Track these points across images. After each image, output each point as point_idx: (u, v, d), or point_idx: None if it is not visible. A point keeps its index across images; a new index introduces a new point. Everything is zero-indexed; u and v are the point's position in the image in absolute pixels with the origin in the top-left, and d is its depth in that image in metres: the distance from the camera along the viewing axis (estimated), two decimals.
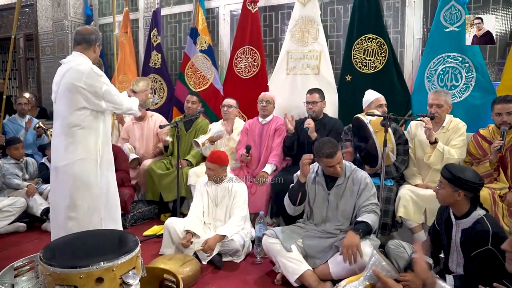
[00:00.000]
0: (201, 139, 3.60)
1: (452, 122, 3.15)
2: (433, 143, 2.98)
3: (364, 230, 2.45)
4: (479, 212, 2.07)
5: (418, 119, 3.01)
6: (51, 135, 4.51)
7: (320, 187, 2.74)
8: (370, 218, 2.51)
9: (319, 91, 3.71)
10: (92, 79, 2.44)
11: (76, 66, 2.47)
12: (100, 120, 2.55)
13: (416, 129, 3.30)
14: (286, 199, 2.82)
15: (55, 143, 2.57)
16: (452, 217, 2.18)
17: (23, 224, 3.71)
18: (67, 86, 2.43)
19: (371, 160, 3.01)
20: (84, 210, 2.49)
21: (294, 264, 2.52)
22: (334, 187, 2.70)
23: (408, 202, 3.00)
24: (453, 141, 3.08)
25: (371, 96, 3.45)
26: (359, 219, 2.53)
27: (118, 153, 3.95)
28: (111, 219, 2.66)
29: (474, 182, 2.05)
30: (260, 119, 3.92)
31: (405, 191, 3.04)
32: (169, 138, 4.14)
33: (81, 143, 2.47)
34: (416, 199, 3.00)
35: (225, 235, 2.91)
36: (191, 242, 2.92)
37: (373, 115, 2.89)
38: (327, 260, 2.53)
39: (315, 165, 2.83)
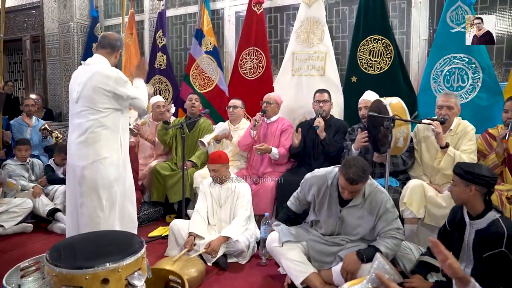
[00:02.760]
0: (206, 138, 3.61)
1: (460, 125, 3.08)
2: (444, 147, 2.91)
3: (370, 256, 2.25)
4: (494, 213, 2.05)
5: (427, 122, 2.95)
6: (56, 137, 4.56)
7: (332, 201, 2.53)
8: (385, 244, 2.34)
9: (327, 91, 3.73)
10: (118, 84, 2.59)
11: (103, 70, 2.60)
12: (120, 119, 2.70)
13: (423, 131, 3.26)
14: None
15: (76, 142, 2.63)
16: (466, 217, 2.16)
17: (29, 224, 3.73)
18: (93, 89, 2.56)
19: (383, 144, 2.88)
20: (108, 207, 2.63)
21: (298, 266, 2.50)
22: (348, 207, 2.48)
23: (415, 192, 2.95)
24: (463, 146, 3.00)
25: (367, 97, 3.48)
26: (373, 243, 2.39)
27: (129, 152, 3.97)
28: (128, 217, 2.83)
29: (486, 176, 2.04)
30: (265, 118, 3.93)
31: (415, 182, 3.01)
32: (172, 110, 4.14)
33: (105, 142, 2.61)
34: (422, 193, 2.98)
35: (229, 237, 2.90)
36: (195, 245, 2.93)
37: (378, 116, 2.87)
38: (331, 268, 2.49)
39: (331, 173, 2.58)
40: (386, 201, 2.43)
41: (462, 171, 2.09)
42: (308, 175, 2.71)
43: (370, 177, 2.50)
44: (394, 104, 2.87)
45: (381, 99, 2.96)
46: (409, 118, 2.83)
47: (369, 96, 3.46)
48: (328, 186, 2.55)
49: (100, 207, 2.59)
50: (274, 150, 3.67)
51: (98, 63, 2.66)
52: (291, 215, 2.82)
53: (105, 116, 2.59)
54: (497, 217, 2.02)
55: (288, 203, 2.84)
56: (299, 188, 2.78)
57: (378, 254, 2.06)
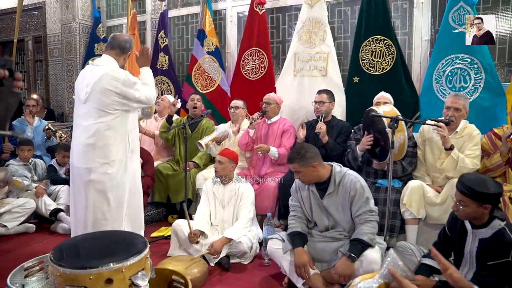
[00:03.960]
0: (204, 140, 3.61)
1: (467, 129, 3.06)
2: (448, 149, 2.89)
3: (360, 251, 2.36)
4: (498, 222, 1.97)
5: (432, 123, 2.94)
6: (59, 137, 4.57)
7: (313, 196, 2.63)
8: (365, 231, 2.40)
9: (328, 92, 3.71)
10: (127, 86, 2.57)
11: (112, 72, 2.57)
12: (128, 120, 2.68)
13: (428, 131, 3.25)
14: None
15: (83, 145, 2.61)
16: (468, 225, 2.09)
17: (32, 225, 3.74)
18: (102, 91, 2.54)
19: (382, 153, 2.99)
20: (115, 209, 2.64)
21: None
22: (326, 196, 2.57)
23: (414, 193, 2.97)
24: (467, 150, 2.98)
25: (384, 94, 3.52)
26: (353, 236, 2.44)
27: (148, 158, 3.97)
28: (136, 217, 2.84)
29: (498, 193, 1.94)
30: (266, 119, 3.93)
31: (415, 183, 3.03)
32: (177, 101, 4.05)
33: (113, 144, 2.59)
34: (422, 194, 2.99)
35: (232, 239, 2.90)
36: (198, 242, 2.93)
37: (380, 116, 2.87)
38: (334, 265, 2.49)
39: None
40: (355, 182, 2.50)
41: (475, 193, 1.92)
42: (293, 183, 2.78)
43: (339, 164, 2.63)
44: (387, 111, 2.90)
45: (374, 107, 2.98)
46: (404, 124, 2.85)
47: (385, 94, 3.50)
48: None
49: (108, 209, 2.60)
50: (273, 150, 3.66)
51: (107, 64, 2.63)
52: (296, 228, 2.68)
53: (114, 118, 2.58)
54: (502, 226, 1.95)
55: (290, 224, 2.71)
56: (290, 199, 2.79)
57: (392, 250, 2.05)
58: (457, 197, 2.02)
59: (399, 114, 2.91)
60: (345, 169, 2.62)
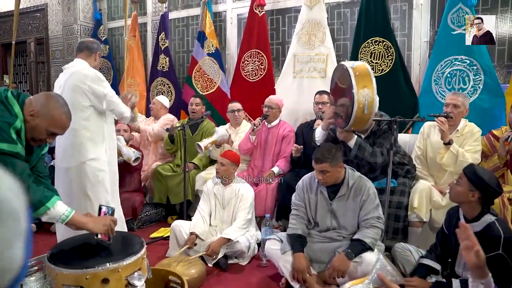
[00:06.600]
0: (203, 143, 3.62)
1: (467, 127, 3.09)
2: (447, 144, 2.91)
3: (359, 251, 2.39)
4: (490, 217, 2.04)
5: (435, 119, 2.92)
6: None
7: (322, 197, 2.63)
8: (368, 235, 2.43)
9: (327, 93, 3.69)
10: (95, 82, 2.65)
11: (81, 70, 2.68)
12: (103, 121, 2.75)
13: (429, 130, 3.25)
14: None
15: (62, 144, 2.68)
16: (462, 220, 2.14)
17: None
18: (71, 88, 2.62)
19: (346, 118, 2.63)
20: (97, 207, 2.62)
21: None
22: (336, 198, 2.57)
23: (423, 196, 2.95)
24: (467, 146, 3.00)
25: None
26: (356, 236, 2.47)
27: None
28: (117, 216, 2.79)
29: (494, 188, 2.02)
30: (266, 123, 3.93)
31: (423, 185, 3.02)
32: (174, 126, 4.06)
33: (90, 143, 2.65)
34: (429, 197, 2.98)
35: (230, 239, 2.91)
36: (195, 244, 2.94)
37: (380, 119, 2.87)
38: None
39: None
40: (368, 188, 2.53)
41: (473, 175, 2.03)
42: (300, 181, 2.77)
43: (350, 167, 2.63)
44: (358, 65, 2.59)
45: (343, 63, 2.70)
46: (373, 81, 2.53)
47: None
48: (317, 182, 2.65)
49: (90, 207, 2.61)
50: (275, 170, 3.66)
51: (77, 64, 2.74)
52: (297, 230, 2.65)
53: (87, 116, 2.63)
54: (493, 220, 2.02)
55: (291, 224, 2.68)
56: (293, 197, 2.77)
57: (380, 255, 2.08)
58: (460, 175, 2.14)
59: (368, 68, 2.59)
60: (357, 173, 2.63)
